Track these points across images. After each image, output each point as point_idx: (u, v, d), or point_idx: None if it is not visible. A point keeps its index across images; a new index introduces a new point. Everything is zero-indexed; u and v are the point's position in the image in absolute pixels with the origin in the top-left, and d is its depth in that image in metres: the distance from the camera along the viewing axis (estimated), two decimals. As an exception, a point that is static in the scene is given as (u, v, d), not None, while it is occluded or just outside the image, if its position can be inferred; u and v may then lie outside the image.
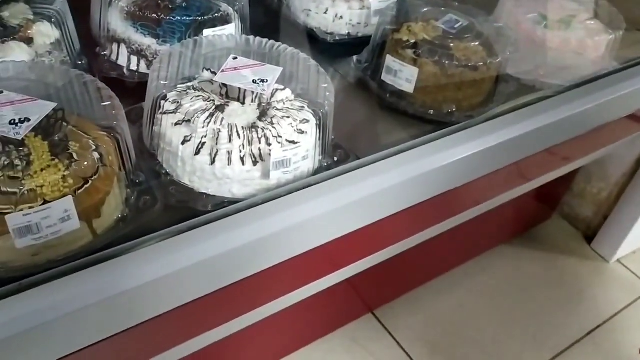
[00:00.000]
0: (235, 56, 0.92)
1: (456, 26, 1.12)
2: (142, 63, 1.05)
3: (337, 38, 1.27)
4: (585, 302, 1.69)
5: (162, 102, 0.89)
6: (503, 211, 1.68)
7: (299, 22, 1.30)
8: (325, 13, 1.27)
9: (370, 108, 1.14)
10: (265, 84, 0.87)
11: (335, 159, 0.96)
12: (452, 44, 1.10)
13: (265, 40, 0.98)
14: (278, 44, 0.98)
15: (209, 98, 0.90)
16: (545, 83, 1.22)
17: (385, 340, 1.51)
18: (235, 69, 0.89)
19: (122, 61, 1.06)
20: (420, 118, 1.10)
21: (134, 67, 1.05)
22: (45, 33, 0.96)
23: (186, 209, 0.82)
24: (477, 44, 1.12)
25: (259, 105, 0.92)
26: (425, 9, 1.21)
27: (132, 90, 1.02)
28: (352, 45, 1.26)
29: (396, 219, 0.98)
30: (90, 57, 1.04)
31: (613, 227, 1.77)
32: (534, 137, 1.07)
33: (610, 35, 1.22)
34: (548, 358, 1.53)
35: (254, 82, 0.87)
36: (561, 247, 1.85)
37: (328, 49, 1.28)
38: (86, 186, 0.73)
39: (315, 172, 0.93)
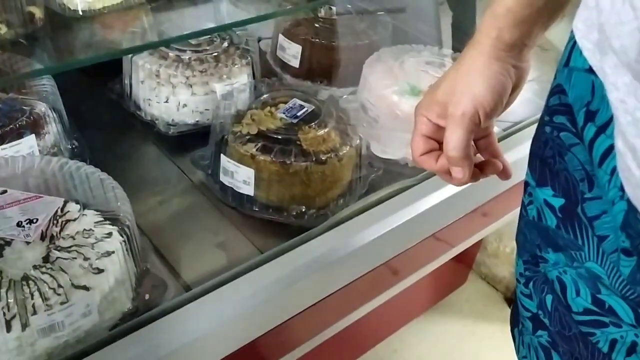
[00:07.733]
0: (4, 189, 0.75)
1: (299, 113, 0.98)
2: None
3: (183, 129, 1.12)
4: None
5: None
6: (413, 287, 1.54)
7: (140, 112, 1.15)
8: (166, 102, 1.12)
9: (211, 216, 0.98)
10: (33, 225, 0.71)
11: (147, 296, 0.80)
12: (295, 135, 0.96)
13: (55, 159, 0.82)
14: (72, 162, 0.82)
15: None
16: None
17: None
18: (2, 207, 0.73)
19: None
20: (268, 222, 0.96)
21: None
22: None
23: None
24: (326, 130, 0.98)
25: (50, 241, 0.75)
26: (274, 92, 1.07)
27: None
28: (202, 134, 1.11)
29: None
30: None
31: (531, 288, 1.64)
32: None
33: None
34: None
35: (19, 225, 0.71)
36: (481, 311, 1.72)
37: (176, 141, 1.13)
38: None
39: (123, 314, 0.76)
